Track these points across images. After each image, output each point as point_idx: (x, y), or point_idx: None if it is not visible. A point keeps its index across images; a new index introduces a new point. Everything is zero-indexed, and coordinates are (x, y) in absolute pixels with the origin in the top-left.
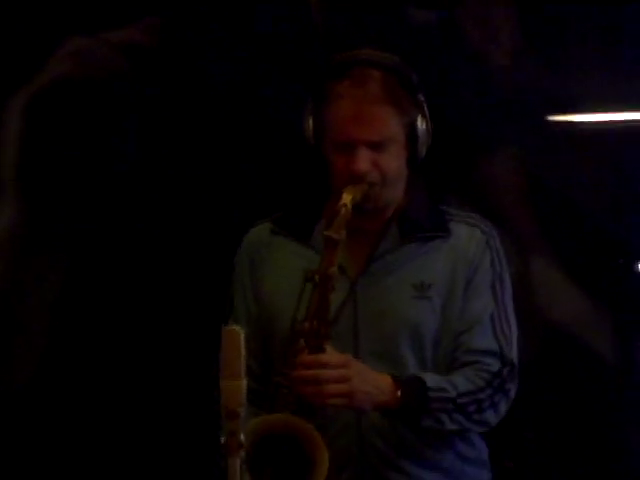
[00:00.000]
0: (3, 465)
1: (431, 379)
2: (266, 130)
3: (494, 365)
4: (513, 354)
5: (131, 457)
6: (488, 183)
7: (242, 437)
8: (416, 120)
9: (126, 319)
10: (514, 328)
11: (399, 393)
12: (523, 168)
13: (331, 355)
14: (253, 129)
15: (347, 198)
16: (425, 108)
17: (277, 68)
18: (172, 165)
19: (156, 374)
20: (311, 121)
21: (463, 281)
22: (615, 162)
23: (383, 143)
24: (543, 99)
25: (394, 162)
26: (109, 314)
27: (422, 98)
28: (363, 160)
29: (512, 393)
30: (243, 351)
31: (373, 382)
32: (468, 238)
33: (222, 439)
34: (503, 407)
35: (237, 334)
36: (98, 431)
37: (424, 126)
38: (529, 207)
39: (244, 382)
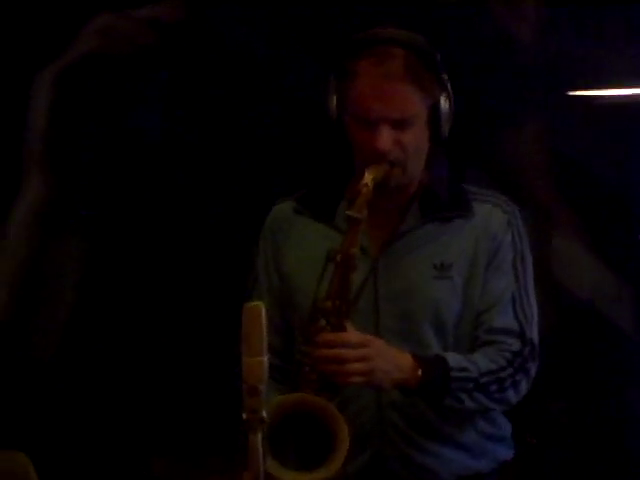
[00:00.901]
0: (25, 429)
1: (453, 358)
2: (292, 107)
3: (515, 344)
4: (534, 334)
5: (152, 432)
6: (511, 158)
7: (264, 413)
8: (439, 99)
9: (149, 294)
10: (535, 308)
11: (420, 372)
12: (545, 143)
13: (352, 334)
14: (278, 105)
15: (369, 177)
16: (449, 87)
17: (302, 44)
18: (197, 140)
19: (178, 350)
20: (334, 98)
21: (484, 261)
22: (636, 136)
23: (405, 121)
24: (567, 74)
25: (416, 141)
26: (132, 289)
27: (445, 77)
28: (385, 138)
29: (532, 372)
30: (264, 328)
31: (394, 361)
32: (490, 217)
33: (243, 415)
34: (524, 386)
35: (258, 310)
36: (118, 403)
37: (447, 106)
38: (551, 181)
39: (265, 359)
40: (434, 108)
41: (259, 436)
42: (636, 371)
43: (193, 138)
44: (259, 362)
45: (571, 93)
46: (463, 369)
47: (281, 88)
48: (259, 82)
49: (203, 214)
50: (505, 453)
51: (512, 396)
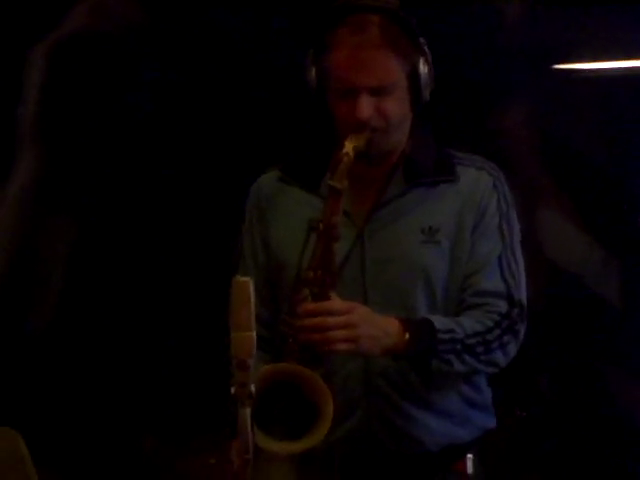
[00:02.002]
0: (16, 406)
1: (439, 321)
2: (278, 79)
3: (502, 306)
4: (522, 295)
5: (142, 408)
6: (498, 132)
7: (252, 388)
8: (418, 64)
9: (140, 269)
10: (522, 269)
11: (407, 336)
12: (532, 120)
13: (335, 302)
14: (264, 78)
15: (349, 146)
16: (427, 52)
17: (285, 20)
18: (187, 116)
19: (167, 323)
20: (313, 70)
21: (471, 224)
22: (620, 110)
23: (385, 88)
24: (550, 48)
25: (397, 107)
26: (122, 264)
27: (423, 41)
28: (365, 106)
29: (521, 334)
30: (253, 303)
31: (380, 326)
32: (475, 181)
33: (232, 389)
34: (512, 348)
35: (246, 285)
36: (109, 379)
37: (426, 70)
38: (538, 158)
39: (254, 334)
40: (413, 73)
41: (248, 410)
42: (622, 343)
43: (184, 114)
44: (248, 337)
45: (556, 67)
46: (449, 330)
47: (267, 64)
48: (246, 58)
49: (188, 185)
50: (488, 421)
51: (500, 358)
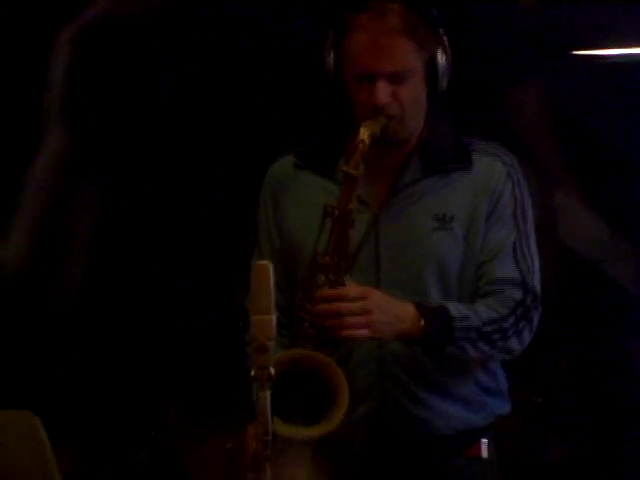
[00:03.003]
0: (37, 381)
1: (455, 308)
2: (294, 64)
3: (517, 294)
4: (535, 282)
5: (165, 381)
6: (513, 116)
7: (272, 370)
8: (436, 53)
9: (159, 247)
10: (536, 257)
11: (422, 322)
12: (547, 103)
13: (350, 288)
14: (280, 63)
15: (365, 133)
16: (445, 42)
17: (305, 7)
18: (207, 98)
19: (185, 304)
20: (332, 54)
21: (485, 212)
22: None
23: (402, 75)
24: (567, 34)
25: (414, 94)
26: (144, 239)
27: (442, 31)
28: (383, 92)
29: (535, 321)
30: (272, 286)
31: (395, 312)
32: (489, 169)
33: (252, 372)
34: (527, 335)
35: (266, 269)
36: (132, 351)
37: (444, 59)
38: (554, 141)
39: (274, 317)
40: (431, 62)
41: (267, 393)
42: (637, 326)
43: (203, 95)
44: (268, 320)
45: (573, 52)
46: (465, 318)
47: (286, 49)
48: (265, 44)
49: (211, 166)
50: (502, 407)
51: (515, 344)
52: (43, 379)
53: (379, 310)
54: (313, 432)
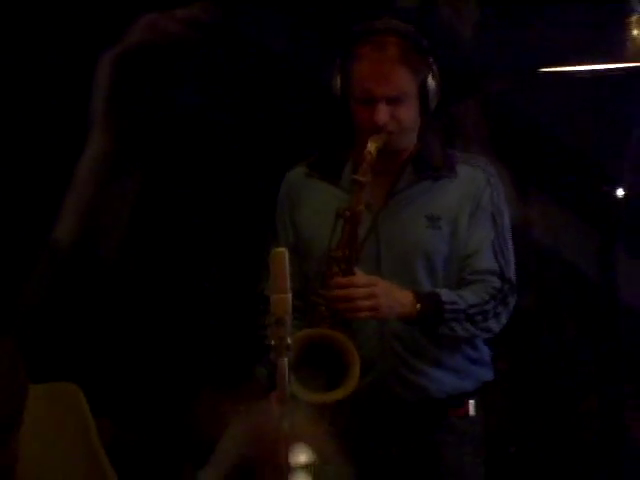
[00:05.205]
0: (77, 357)
1: (445, 294)
2: (309, 88)
3: (496, 282)
4: (511, 273)
5: (202, 364)
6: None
7: (289, 340)
8: (427, 78)
9: (190, 238)
10: (512, 251)
11: (419, 306)
12: (487, 111)
13: (360, 277)
14: (299, 88)
15: (372, 146)
16: (435, 68)
17: (315, 37)
18: (228, 116)
19: (212, 287)
20: (339, 78)
21: (467, 214)
22: (599, 106)
23: (399, 97)
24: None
25: (409, 113)
26: (173, 233)
27: (432, 60)
28: (383, 113)
29: (511, 305)
30: (287, 269)
31: (396, 298)
32: (471, 177)
33: (272, 342)
34: (504, 317)
35: (282, 255)
36: (169, 334)
37: (434, 83)
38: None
39: (289, 295)
40: (423, 86)
41: (285, 360)
42: (603, 317)
43: (225, 114)
44: (284, 298)
45: (542, 70)
46: (454, 302)
47: (298, 74)
48: (280, 70)
49: (232, 169)
50: (486, 374)
51: (494, 325)
52: (84, 353)
53: (384, 295)
54: (331, 397)
